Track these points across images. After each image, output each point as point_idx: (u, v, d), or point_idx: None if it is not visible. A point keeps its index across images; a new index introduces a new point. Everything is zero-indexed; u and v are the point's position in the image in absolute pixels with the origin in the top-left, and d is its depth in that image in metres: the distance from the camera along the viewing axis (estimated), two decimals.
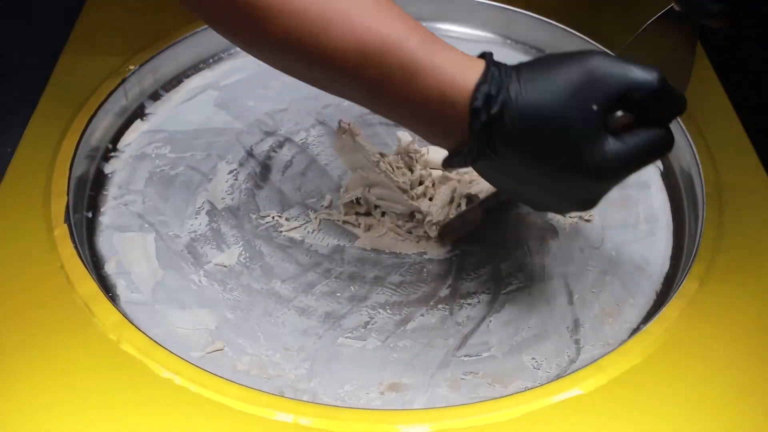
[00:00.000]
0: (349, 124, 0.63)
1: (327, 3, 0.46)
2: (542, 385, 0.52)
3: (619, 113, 0.47)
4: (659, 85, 0.46)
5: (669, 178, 0.71)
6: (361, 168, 0.64)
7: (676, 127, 0.72)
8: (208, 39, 0.81)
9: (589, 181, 0.48)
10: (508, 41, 0.87)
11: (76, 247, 0.59)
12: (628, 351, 0.53)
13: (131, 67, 0.75)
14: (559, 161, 0.47)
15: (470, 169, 0.54)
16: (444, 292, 0.62)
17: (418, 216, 0.64)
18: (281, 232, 0.66)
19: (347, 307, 0.60)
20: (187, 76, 0.81)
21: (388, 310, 0.60)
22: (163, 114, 0.77)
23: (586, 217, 0.67)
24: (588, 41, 0.81)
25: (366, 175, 0.64)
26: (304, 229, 0.66)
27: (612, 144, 0.47)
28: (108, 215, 0.66)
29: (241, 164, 0.72)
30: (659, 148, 0.49)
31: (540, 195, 0.51)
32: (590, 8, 0.85)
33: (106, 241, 0.64)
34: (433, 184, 0.66)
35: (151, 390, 0.50)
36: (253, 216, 0.67)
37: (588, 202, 0.50)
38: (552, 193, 0.50)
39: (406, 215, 0.65)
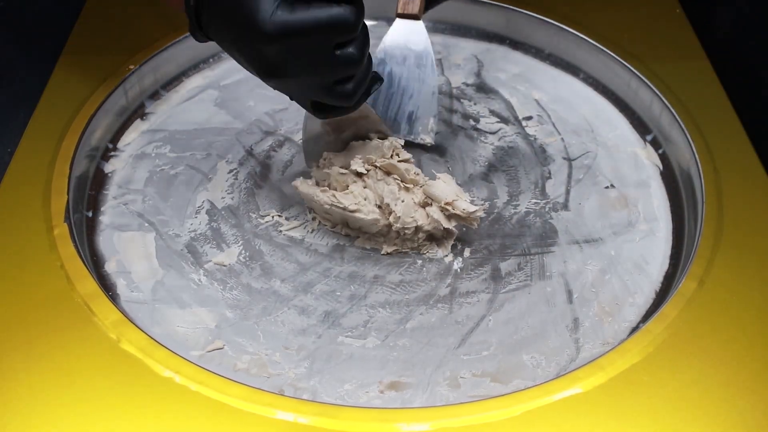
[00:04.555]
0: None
1: None
2: (542, 383, 0.52)
3: None
4: None
5: (668, 177, 0.72)
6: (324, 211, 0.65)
7: (677, 127, 0.72)
8: None
9: (255, 41, 0.50)
10: (508, 41, 0.87)
11: (76, 247, 0.59)
12: (628, 350, 0.53)
13: (131, 67, 0.75)
14: (236, 26, 0.51)
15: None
16: (443, 290, 0.62)
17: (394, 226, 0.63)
18: (281, 231, 0.66)
19: (347, 306, 0.60)
20: (187, 76, 0.81)
21: (388, 309, 0.60)
22: (163, 113, 0.77)
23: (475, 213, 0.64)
24: (587, 40, 0.81)
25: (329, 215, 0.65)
26: (304, 228, 0.66)
27: (280, 12, 0.49)
28: (108, 214, 0.67)
29: (241, 164, 0.72)
30: (327, 22, 0.50)
31: (240, 58, 0.54)
32: (591, 8, 0.85)
33: (106, 241, 0.64)
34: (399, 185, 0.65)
35: (151, 389, 0.50)
36: (253, 215, 0.67)
37: (264, 64, 0.52)
38: (242, 56, 0.53)
39: (384, 232, 0.64)
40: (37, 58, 0.81)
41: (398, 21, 0.69)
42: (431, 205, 0.62)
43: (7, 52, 0.84)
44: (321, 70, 0.52)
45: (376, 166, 0.63)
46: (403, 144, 0.65)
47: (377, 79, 0.58)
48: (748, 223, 0.62)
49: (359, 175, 0.63)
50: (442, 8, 0.86)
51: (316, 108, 0.56)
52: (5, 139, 0.71)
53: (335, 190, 0.63)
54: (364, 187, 0.63)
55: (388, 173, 0.62)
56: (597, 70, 0.82)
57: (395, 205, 0.61)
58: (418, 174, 0.64)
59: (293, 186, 0.65)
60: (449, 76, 0.83)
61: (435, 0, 0.70)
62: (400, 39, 0.69)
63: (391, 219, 0.62)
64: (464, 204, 0.61)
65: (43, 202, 0.62)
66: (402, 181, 0.63)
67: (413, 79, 0.69)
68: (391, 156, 0.63)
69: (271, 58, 0.51)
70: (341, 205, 0.62)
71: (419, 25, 0.69)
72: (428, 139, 0.71)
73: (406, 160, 0.64)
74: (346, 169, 0.63)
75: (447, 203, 0.61)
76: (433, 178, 0.64)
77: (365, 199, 0.62)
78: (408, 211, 0.62)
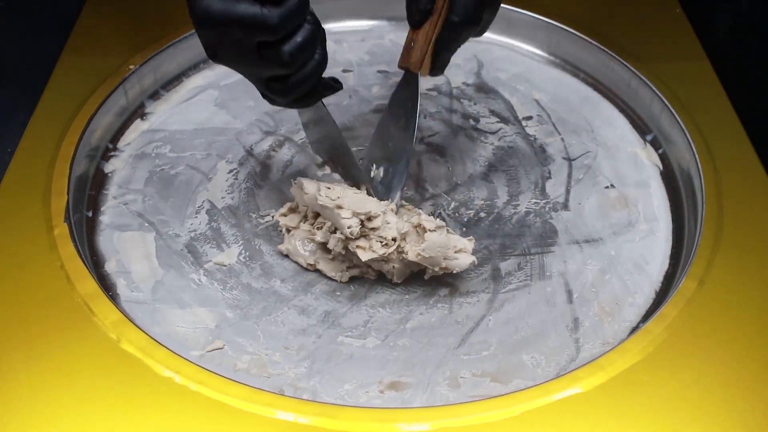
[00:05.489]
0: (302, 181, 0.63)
1: None
2: (542, 383, 0.52)
3: None
4: None
5: (669, 177, 0.71)
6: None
7: (677, 127, 0.72)
8: None
9: (194, 24, 0.52)
10: (508, 41, 0.87)
11: (76, 247, 0.59)
12: (628, 350, 0.53)
13: (131, 67, 0.75)
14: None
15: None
16: (443, 290, 0.62)
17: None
18: (281, 231, 0.66)
19: (347, 306, 0.60)
20: (187, 76, 0.81)
21: (388, 309, 0.60)
22: (163, 113, 0.77)
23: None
24: (588, 40, 0.81)
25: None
26: None
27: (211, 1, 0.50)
28: (108, 214, 0.67)
29: (241, 163, 0.72)
30: (246, 20, 0.49)
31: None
32: (590, 8, 0.86)
33: (106, 241, 0.64)
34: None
35: (151, 389, 0.50)
36: (253, 215, 0.67)
37: (204, 46, 0.53)
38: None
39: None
40: (37, 58, 0.81)
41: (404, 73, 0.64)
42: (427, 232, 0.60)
43: (8, 52, 0.84)
44: (247, 65, 0.53)
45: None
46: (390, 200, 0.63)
47: (330, 85, 0.57)
48: (748, 223, 0.62)
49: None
50: None
51: (263, 94, 0.57)
52: (5, 139, 0.71)
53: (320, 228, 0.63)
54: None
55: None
56: (597, 70, 0.82)
57: (391, 268, 0.61)
58: (391, 243, 0.59)
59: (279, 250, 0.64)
60: (449, 76, 0.83)
61: (446, 49, 0.62)
62: (399, 92, 0.64)
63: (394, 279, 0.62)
64: (459, 262, 0.59)
65: (43, 202, 0.62)
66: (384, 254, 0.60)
67: (398, 141, 0.64)
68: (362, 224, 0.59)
69: (204, 42, 0.52)
70: (333, 277, 0.62)
71: (415, 80, 0.63)
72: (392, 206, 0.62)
73: (375, 228, 0.59)
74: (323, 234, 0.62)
75: (442, 267, 0.59)
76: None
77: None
78: (404, 271, 0.61)
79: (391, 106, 0.65)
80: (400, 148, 0.64)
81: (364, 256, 0.59)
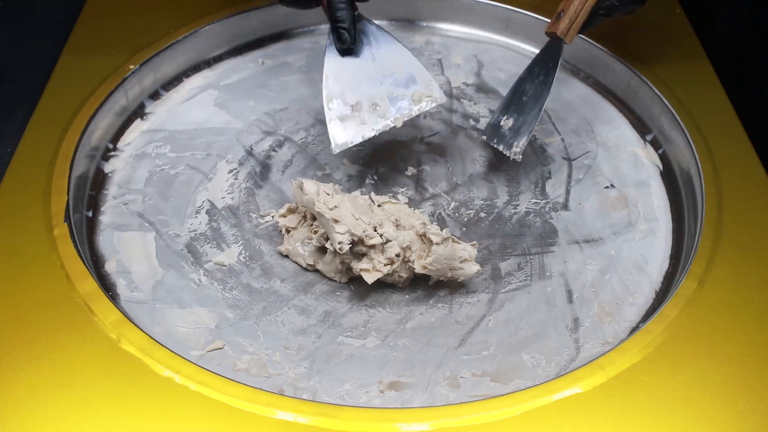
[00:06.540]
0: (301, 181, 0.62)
1: None
2: (542, 383, 0.52)
3: None
4: None
5: (669, 177, 0.72)
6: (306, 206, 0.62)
7: (677, 127, 0.72)
8: (208, 39, 0.82)
9: None
10: (508, 41, 0.87)
11: (76, 247, 0.59)
12: (628, 350, 0.54)
13: (131, 67, 0.75)
14: None
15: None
16: (443, 290, 0.62)
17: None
18: (280, 231, 0.66)
19: (347, 306, 0.60)
20: (187, 76, 0.81)
21: (388, 309, 0.60)
22: (163, 113, 0.77)
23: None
24: (588, 40, 0.81)
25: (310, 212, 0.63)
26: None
27: None
28: (108, 214, 0.67)
29: (241, 163, 0.72)
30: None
31: None
32: None
33: (106, 241, 0.64)
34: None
35: (152, 389, 0.50)
36: (253, 215, 0.67)
37: None
38: None
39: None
40: (37, 58, 0.81)
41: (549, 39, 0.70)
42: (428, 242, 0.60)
43: (7, 52, 0.84)
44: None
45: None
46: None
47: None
48: (748, 223, 0.62)
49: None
50: (442, 8, 0.87)
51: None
52: (5, 139, 0.71)
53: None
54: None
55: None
56: (597, 70, 0.82)
57: (397, 278, 0.61)
58: (396, 260, 0.60)
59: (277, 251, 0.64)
60: (449, 76, 0.83)
61: (599, 18, 0.68)
62: (542, 55, 0.70)
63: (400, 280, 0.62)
64: (465, 271, 0.60)
65: (43, 202, 0.62)
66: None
67: (533, 96, 0.69)
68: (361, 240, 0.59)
69: None
70: (333, 278, 0.62)
71: (559, 46, 0.69)
72: (516, 156, 0.68)
73: (372, 246, 0.59)
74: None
75: (448, 277, 0.60)
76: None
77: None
78: (410, 277, 0.61)
79: (531, 67, 0.71)
80: (533, 100, 0.69)
81: (370, 278, 0.59)
